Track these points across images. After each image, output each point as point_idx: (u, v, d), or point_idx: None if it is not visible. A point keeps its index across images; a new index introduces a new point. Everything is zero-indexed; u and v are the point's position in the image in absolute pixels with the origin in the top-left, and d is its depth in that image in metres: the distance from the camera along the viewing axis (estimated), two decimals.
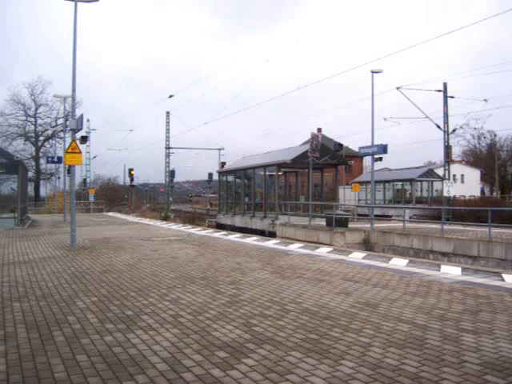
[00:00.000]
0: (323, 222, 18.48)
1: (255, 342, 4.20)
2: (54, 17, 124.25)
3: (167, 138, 44.57)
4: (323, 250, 11.27)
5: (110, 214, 37.42)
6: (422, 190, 36.97)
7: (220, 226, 27.69)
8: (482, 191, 58.98)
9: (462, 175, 58.25)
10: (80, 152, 12.14)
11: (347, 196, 40.73)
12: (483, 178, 60.57)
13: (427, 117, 25.23)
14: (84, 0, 12.85)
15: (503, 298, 5.94)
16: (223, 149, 49.41)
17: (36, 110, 51.46)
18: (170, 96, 38.87)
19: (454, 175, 48.30)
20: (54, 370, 3.53)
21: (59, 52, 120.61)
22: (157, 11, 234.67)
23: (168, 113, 44.80)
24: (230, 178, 30.44)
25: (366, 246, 17.03)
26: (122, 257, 10.10)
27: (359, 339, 4.25)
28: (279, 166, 23.54)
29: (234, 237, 15.01)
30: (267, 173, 25.37)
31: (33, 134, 52.07)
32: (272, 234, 20.79)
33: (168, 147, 44.66)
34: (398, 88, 23.48)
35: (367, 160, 46.27)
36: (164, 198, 47.78)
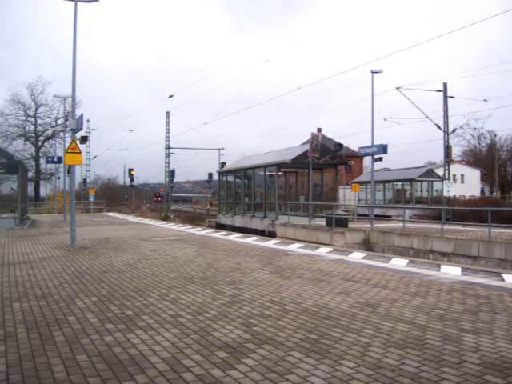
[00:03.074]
0: (323, 222, 18.47)
1: (255, 342, 4.20)
2: (57, 17, 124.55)
3: (167, 138, 44.57)
4: (323, 250, 11.27)
5: (110, 214, 37.42)
6: (421, 190, 36.98)
7: (220, 226, 27.67)
8: (482, 191, 58.98)
9: (462, 175, 58.29)
10: (80, 152, 12.15)
11: (347, 196, 40.76)
12: (483, 178, 60.60)
13: (427, 117, 25.24)
14: (84, 0, 12.87)
15: (503, 298, 5.94)
16: (223, 149, 49.42)
17: (36, 110, 51.55)
18: (170, 96, 38.90)
19: (454, 175, 48.34)
20: (53, 370, 3.53)
21: (61, 52, 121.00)
22: (158, 11, 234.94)
23: (168, 113, 44.80)
24: (230, 178, 30.41)
25: (366, 246, 17.03)
26: (121, 257, 10.10)
27: (359, 339, 4.25)
28: (279, 166, 23.52)
29: (234, 237, 15.01)
30: (267, 173, 25.34)
31: (33, 134, 52.07)
32: (272, 234, 20.79)
33: (168, 147, 44.65)
34: (398, 88, 23.49)
35: (367, 160, 46.35)
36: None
